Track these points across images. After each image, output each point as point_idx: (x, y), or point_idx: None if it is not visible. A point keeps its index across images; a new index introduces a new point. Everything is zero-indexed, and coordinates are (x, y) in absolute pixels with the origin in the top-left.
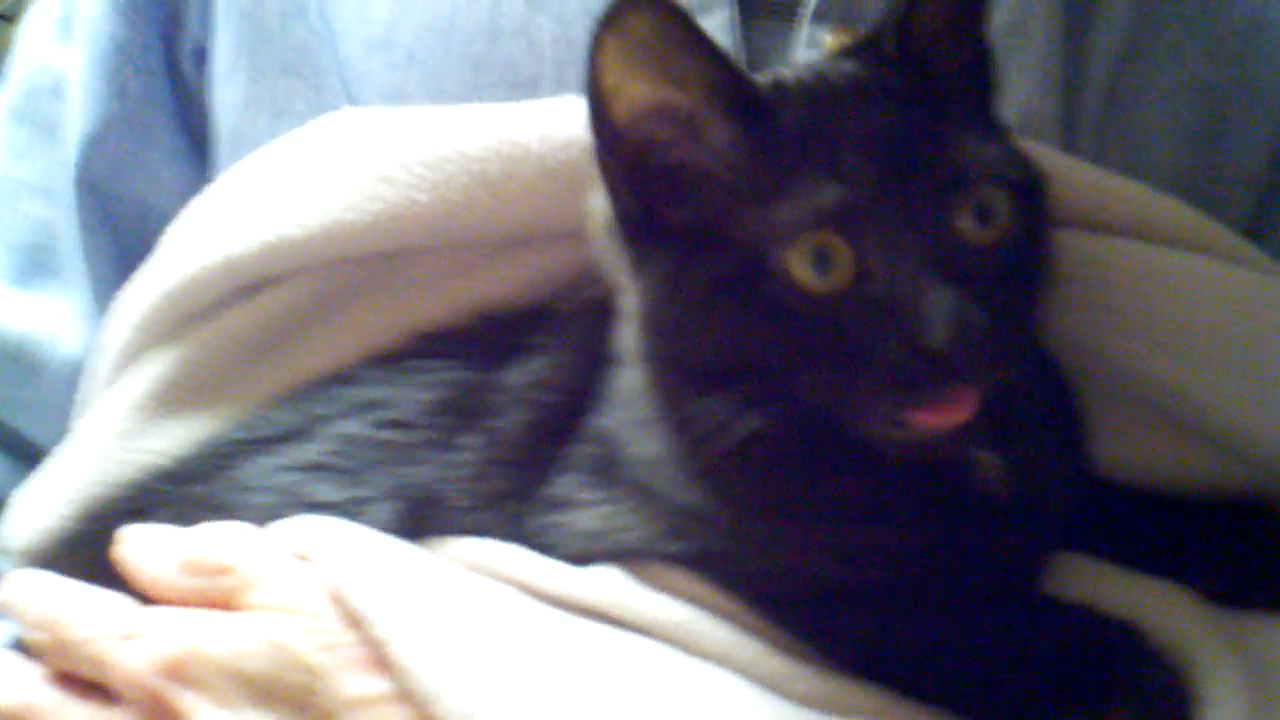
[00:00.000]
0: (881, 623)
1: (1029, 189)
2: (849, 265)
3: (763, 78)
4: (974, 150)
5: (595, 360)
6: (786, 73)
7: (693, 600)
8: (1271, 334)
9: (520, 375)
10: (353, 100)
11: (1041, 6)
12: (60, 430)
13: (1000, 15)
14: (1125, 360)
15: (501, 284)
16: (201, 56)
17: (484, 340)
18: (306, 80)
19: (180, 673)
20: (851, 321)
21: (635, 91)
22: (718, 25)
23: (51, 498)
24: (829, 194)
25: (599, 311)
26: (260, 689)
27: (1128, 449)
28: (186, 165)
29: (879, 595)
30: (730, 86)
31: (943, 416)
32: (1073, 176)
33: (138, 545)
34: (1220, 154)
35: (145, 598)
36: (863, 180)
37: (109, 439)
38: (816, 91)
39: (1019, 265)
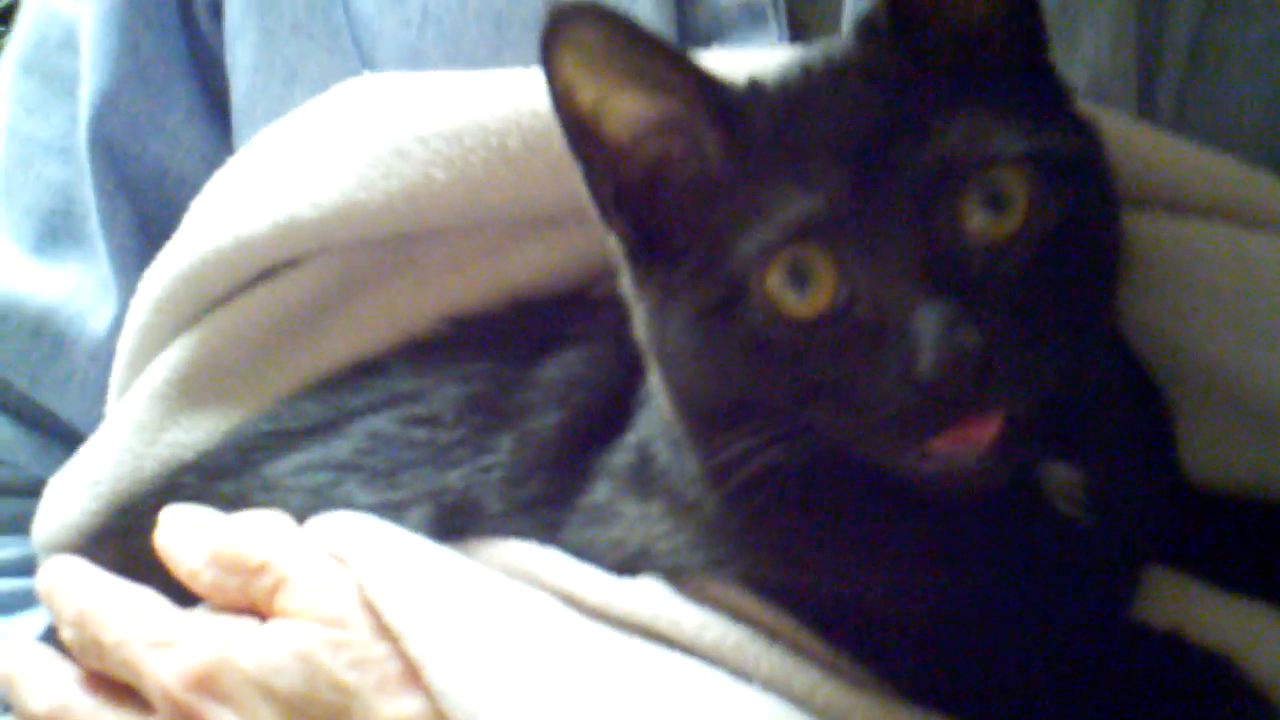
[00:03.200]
0: (948, 650)
1: (1076, 163)
2: (831, 283)
3: (739, 83)
4: (973, 131)
5: (630, 355)
6: (772, 73)
7: (742, 617)
8: None
9: (553, 371)
10: (367, 61)
11: None
12: (97, 412)
13: None
14: (1212, 355)
15: (529, 267)
16: (217, 11)
17: (517, 330)
18: (317, 40)
19: (210, 686)
20: (840, 349)
21: (625, 105)
22: None
23: (77, 491)
24: (798, 205)
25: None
26: (291, 705)
27: (1219, 452)
28: (205, 125)
29: (944, 621)
30: (705, 89)
31: (963, 441)
32: (1153, 150)
33: (175, 534)
34: None
35: (180, 589)
36: (835, 185)
37: (129, 430)
38: (794, 88)
39: (1058, 256)
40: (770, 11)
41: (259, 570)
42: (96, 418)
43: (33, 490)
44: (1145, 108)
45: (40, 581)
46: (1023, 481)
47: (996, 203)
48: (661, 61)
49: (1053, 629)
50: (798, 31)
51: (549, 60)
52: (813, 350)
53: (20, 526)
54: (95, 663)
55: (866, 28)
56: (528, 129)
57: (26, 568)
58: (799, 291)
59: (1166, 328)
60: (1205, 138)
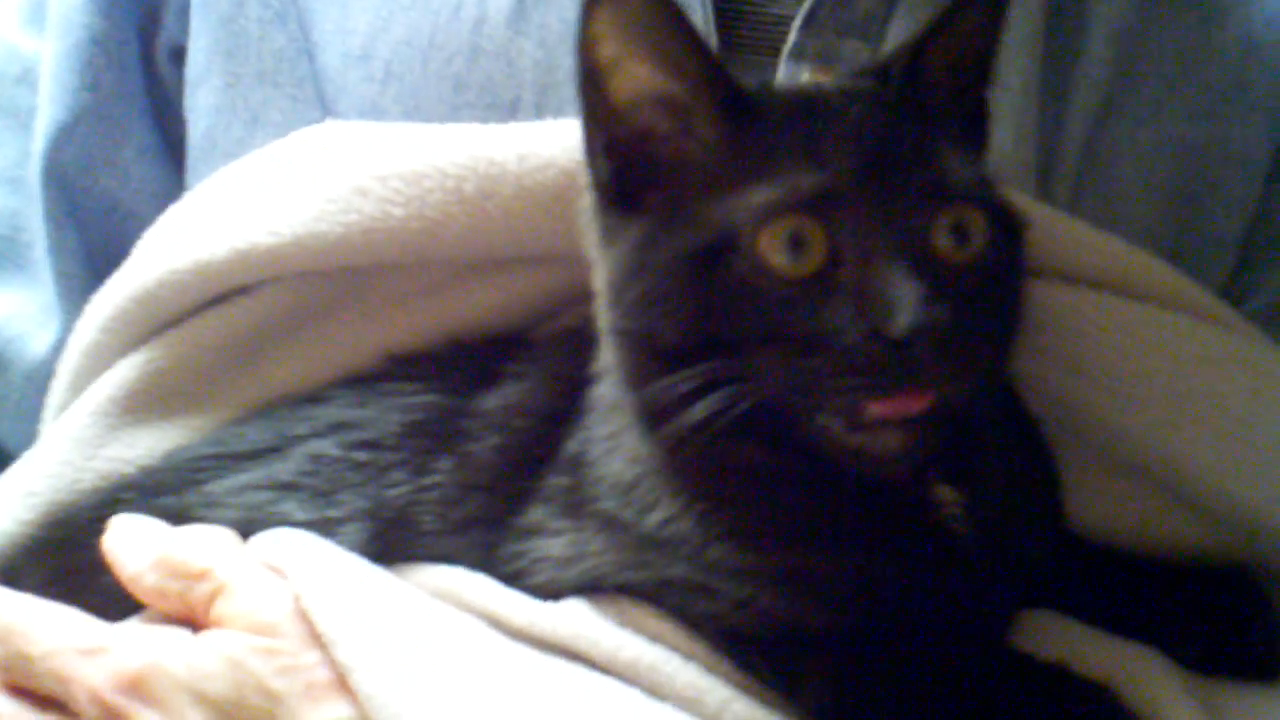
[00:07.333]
0: (844, 670)
1: (1009, 227)
2: (821, 251)
3: (750, 81)
4: (959, 168)
5: (568, 387)
6: (777, 82)
7: (660, 639)
8: (1244, 394)
9: (493, 400)
10: (328, 112)
11: (1020, 57)
12: (30, 434)
13: None
14: (1097, 414)
15: (474, 306)
16: (178, 57)
17: (457, 365)
18: (282, 89)
19: (140, 689)
20: (817, 306)
21: (636, 72)
22: None
23: (12, 501)
24: (809, 179)
25: (573, 340)
26: (220, 710)
27: (1102, 505)
28: (157, 164)
29: (841, 641)
30: (718, 80)
31: (897, 406)
32: (1050, 224)
33: (123, 537)
34: (1197, 213)
35: (116, 601)
36: (845, 170)
37: (69, 444)
38: (807, 95)
39: (991, 295)
40: None
41: (200, 576)
42: (28, 439)
43: None
44: (1042, 198)
45: None
46: (915, 494)
47: (961, 234)
48: (686, 47)
49: (944, 653)
50: (728, 47)
51: (589, 5)
52: (790, 303)
53: None
54: (20, 678)
55: (878, 72)
56: (484, 175)
57: None
58: (793, 256)
59: (1056, 385)
60: (1097, 226)
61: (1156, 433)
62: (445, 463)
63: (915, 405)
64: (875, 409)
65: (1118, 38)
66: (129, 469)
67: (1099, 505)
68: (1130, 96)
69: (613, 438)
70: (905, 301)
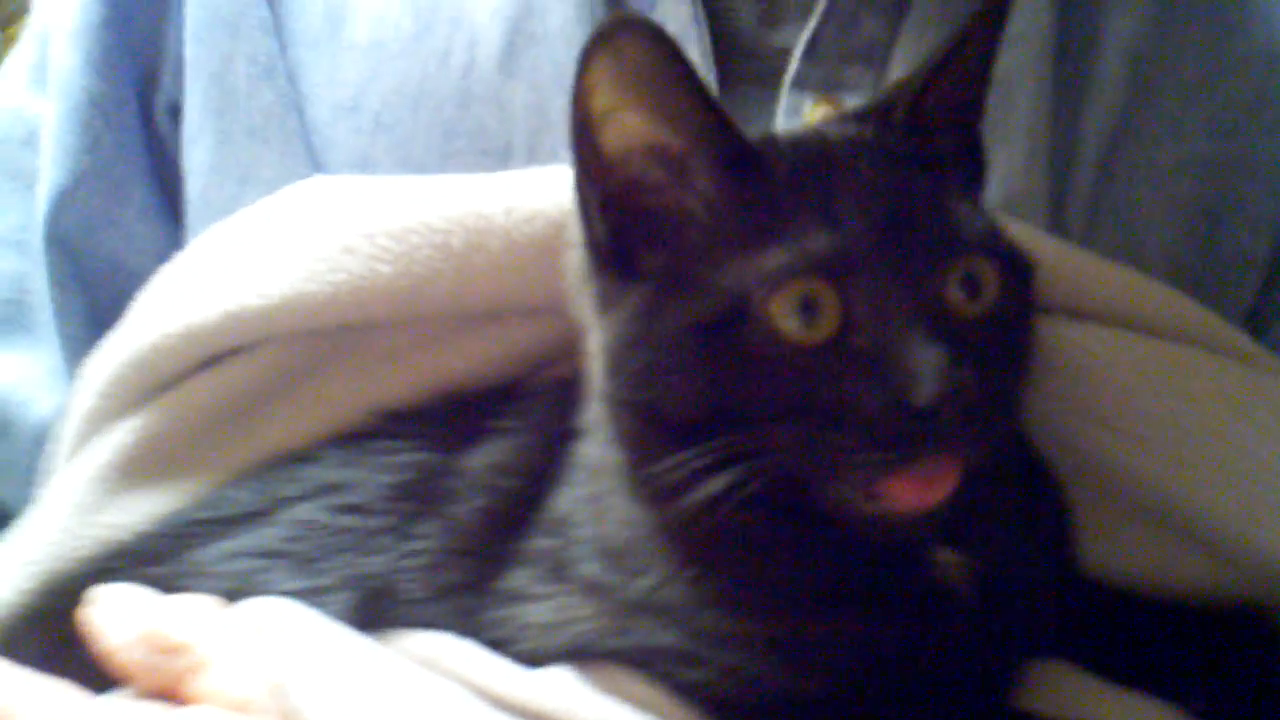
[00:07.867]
0: None
1: (1018, 271)
2: (835, 316)
3: (752, 132)
4: (970, 217)
5: (556, 441)
6: (779, 130)
7: (647, 708)
8: (1262, 434)
9: (480, 459)
10: (319, 166)
11: (1029, 79)
12: (33, 495)
13: None
14: (1107, 456)
15: (467, 359)
16: (176, 114)
17: (447, 421)
18: (272, 145)
19: None
20: (833, 375)
21: (629, 123)
22: None
23: (11, 570)
24: (821, 240)
25: (564, 391)
26: None
27: (1115, 550)
28: (159, 223)
29: (836, 708)
30: (720, 132)
31: (919, 491)
32: (1057, 259)
33: (104, 610)
34: (1221, 233)
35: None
36: (857, 230)
37: (68, 511)
38: (812, 146)
39: (1003, 346)
40: None
41: (180, 651)
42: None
43: None
44: (1056, 224)
45: None
46: (917, 559)
47: (973, 286)
48: (686, 97)
49: (942, 714)
50: (728, 79)
51: (587, 55)
52: (805, 373)
53: None
54: None
55: (879, 113)
56: (471, 229)
57: None
58: (803, 321)
59: (1064, 426)
60: (1113, 253)
61: (1171, 475)
62: (429, 527)
63: (940, 489)
64: (895, 490)
65: (1133, 56)
66: (125, 536)
67: (1113, 550)
68: (1147, 115)
69: (596, 499)
70: (928, 368)
